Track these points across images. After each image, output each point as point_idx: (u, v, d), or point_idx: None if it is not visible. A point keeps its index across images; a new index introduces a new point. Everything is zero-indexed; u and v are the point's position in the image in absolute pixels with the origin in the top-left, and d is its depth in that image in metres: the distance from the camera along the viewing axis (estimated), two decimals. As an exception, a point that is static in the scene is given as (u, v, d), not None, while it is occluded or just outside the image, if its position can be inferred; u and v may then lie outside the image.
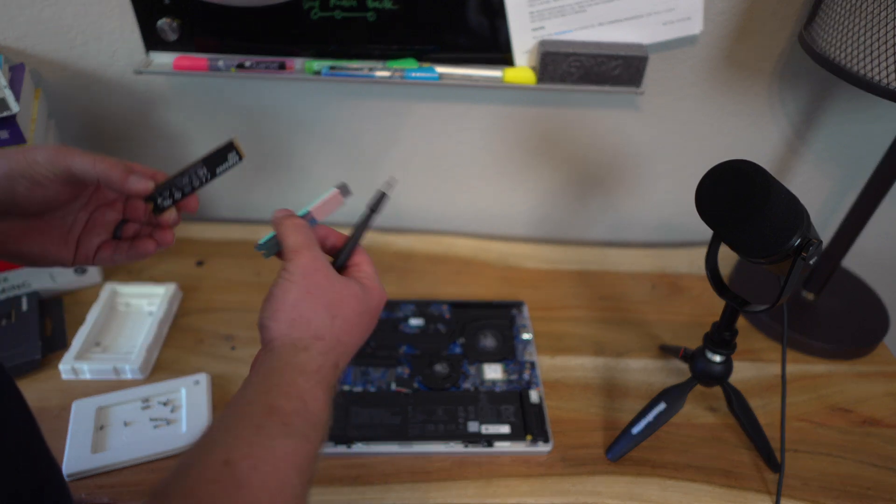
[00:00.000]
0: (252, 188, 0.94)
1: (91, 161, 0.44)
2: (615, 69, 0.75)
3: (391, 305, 0.80)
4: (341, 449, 0.64)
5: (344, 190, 0.50)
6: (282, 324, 0.41)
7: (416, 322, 0.78)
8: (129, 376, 0.69)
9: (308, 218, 0.48)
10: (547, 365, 0.75)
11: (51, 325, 0.75)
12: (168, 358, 0.73)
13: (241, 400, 0.37)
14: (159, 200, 0.48)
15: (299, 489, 0.34)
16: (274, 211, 0.48)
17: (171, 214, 0.50)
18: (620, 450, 0.65)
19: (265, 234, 0.47)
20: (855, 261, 0.92)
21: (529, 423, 0.67)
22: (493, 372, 0.72)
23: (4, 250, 0.46)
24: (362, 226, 0.50)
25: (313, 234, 0.46)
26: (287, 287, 0.42)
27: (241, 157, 0.50)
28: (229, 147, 0.49)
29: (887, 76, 0.57)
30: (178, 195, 0.48)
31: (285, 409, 0.36)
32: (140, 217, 0.52)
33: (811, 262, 0.51)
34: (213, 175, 0.49)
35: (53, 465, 0.41)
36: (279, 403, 0.36)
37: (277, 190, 0.94)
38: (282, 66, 0.76)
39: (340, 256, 0.49)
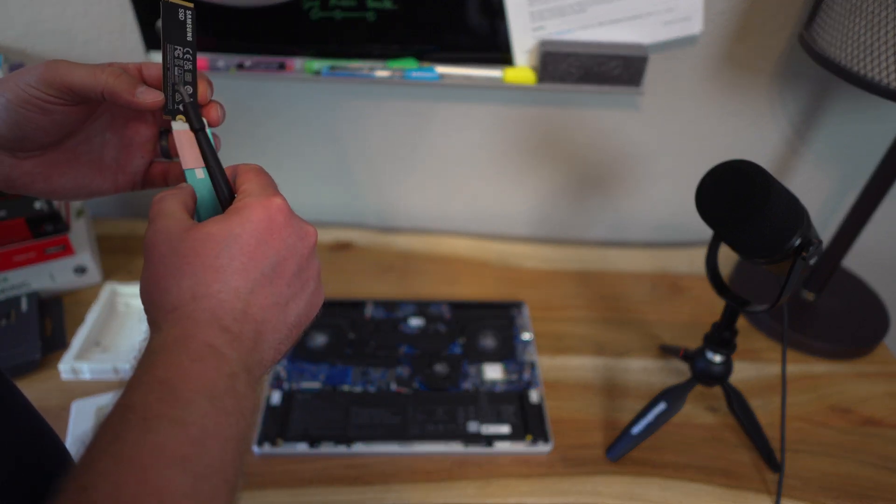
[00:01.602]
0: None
1: (90, 74, 0.38)
2: (615, 69, 0.75)
3: (391, 305, 0.80)
4: (341, 449, 0.64)
5: (178, 125, 0.41)
6: (146, 314, 0.36)
7: (416, 322, 0.78)
8: (129, 376, 0.69)
9: (199, 178, 0.41)
10: (547, 365, 0.75)
11: (50, 325, 0.75)
12: (168, 358, 0.73)
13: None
14: (179, 107, 0.41)
15: (184, 482, 0.29)
16: None
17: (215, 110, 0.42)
18: (620, 450, 0.65)
19: None
20: (855, 261, 0.92)
21: (529, 423, 0.67)
22: (493, 372, 0.72)
23: (36, 190, 0.42)
24: (204, 149, 0.40)
25: (176, 198, 0.38)
26: (140, 283, 0.36)
27: (190, 7, 0.41)
28: (170, 9, 0.40)
29: (887, 76, 0.57)
30: (189, 90, 0.41)
31: (144, 402, 0.31)
32: None
33: (811, 262, 0.51)
34: (191, 45, 0.41)
35: (45, 442, 0.39)
36: (134, 399, 0.31)
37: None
38: (282, 66, 0.76)
39: (220, 195, 0.40)
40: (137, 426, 0.29)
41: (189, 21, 0.41)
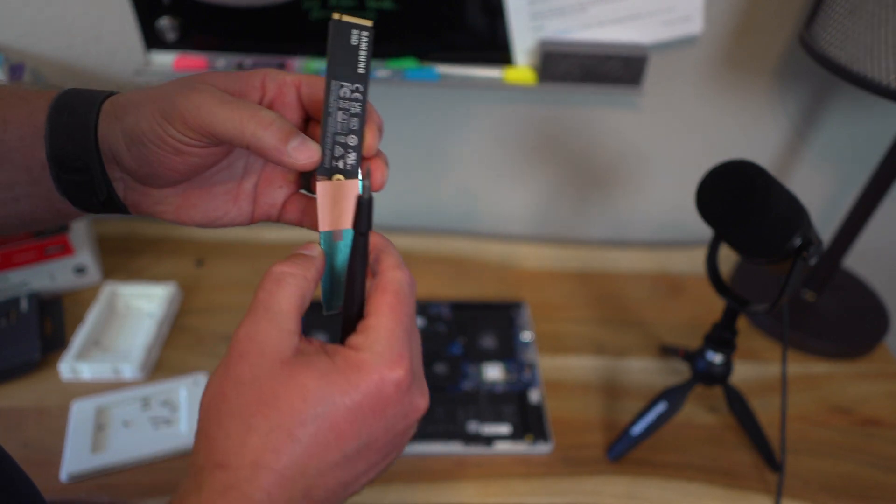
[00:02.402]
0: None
1: (236, 122, 0.30)
2: (615, 69, 0.75)
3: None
4: (341, 449, 0.63)
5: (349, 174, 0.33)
6: (196, 439, 0.29)
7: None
8: (128, 376, 0.69)
9: (336, 241, 0.33)
10: (547, 365, 0.75)
11: (50, 325, 0.75)
12: (168, 358, 0.73)
13: None
14: (338, 163, 0.32)
15: None
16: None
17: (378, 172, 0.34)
18: (620, 450, 0.65)
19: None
20: (855, 261, 0.92)
21: (529, 423, 0.67)
22: (493, 372, 0.72)
23: (165, 219, 0.37)
24: (356, 258, 0.31)
25: (296, 285, 0.31)
26: (208, 383, 0.30)
27: (368, 27, 0.31)
28: (341, 29, 0.30)
29: (887, 76, 0.57)
30: (353, 140, 0.33)
31: None
32: None
33: (811, 262, 0.51)
34: (363, 80, 0.32)
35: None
36: None
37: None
38: (282, 66, 0.76)
39: (347, 310, 0.32)
40: None
41: (364, 47, 0.31)
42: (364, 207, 0.29)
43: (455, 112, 0.85)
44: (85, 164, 0.34)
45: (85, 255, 0.78)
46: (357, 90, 0.32)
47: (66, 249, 0.76)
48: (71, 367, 0.68)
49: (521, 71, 0.77)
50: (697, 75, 0.81)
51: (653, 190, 0.93)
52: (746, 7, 0.75)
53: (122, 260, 0.85)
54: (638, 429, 0.64)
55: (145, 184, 0.35)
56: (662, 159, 0.90)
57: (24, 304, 0.75)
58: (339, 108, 0.32)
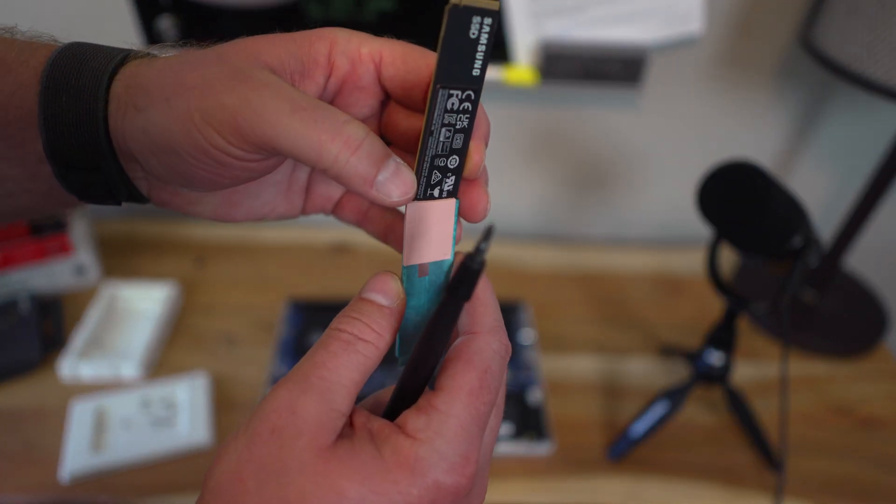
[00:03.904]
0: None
1: (315, 139, 0.22)
2: (615, 68, 0.75)
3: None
4: (341, 449, 0.63)
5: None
6: (204, 491, 0.24)
7: (416, 322, 0.78)
8: (128, 376, 0.69)
9: (419, 278, 0.27)
10: (547, 365, 0.75)
11: (50, 325, 0.75)
12: (168, 358, 0.73)
13: None
14: (433, 191, 0.26)
15: None
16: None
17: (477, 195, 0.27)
18: (620, 450, 0.65)
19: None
20: (855, 261, 0.92)
21: (529, 423, 0.67)
22: (493, 372, 0.72)
23: (200, 217, 0.31)
24: (440, 324, 0.24)
25: (364, 353, 0.25)
26: (224, 452, 0.23)
27: (494, 12, 0.23)
28: (461, 18, 0.22)
29: (887, 76, 0.57)
30: (454, 162, 0.25)
31: None
32: (412, 144, 0.27)
33: (811, 262, 0.51)
34: (477, 84, 0.24)
35: None
36: None
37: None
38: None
39: (406, 385, 0.26)
40: None
41: (485, 39, 0.23)
42: (470, 276, 0.23)
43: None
44: (95, 164, 0.26)
45: (85, 255, 0.78)
46: (468, 98, 0.24)
47: (66, 249, 0.76)
48: (71, 366, 0.68)
49: (522, 71, 0.76)
50: (697, 75, 0.81)
51: (653, 190, 0.93)
52: (746, 7, 0.75)
53: (122, 260, 0.85)
54: (638, 429, 0.64)
55: (177, 187, 0.29)
56: (662, 159, 0.90)
57: (23, 305, 0.75)
58: (444, 125, 0.24)
